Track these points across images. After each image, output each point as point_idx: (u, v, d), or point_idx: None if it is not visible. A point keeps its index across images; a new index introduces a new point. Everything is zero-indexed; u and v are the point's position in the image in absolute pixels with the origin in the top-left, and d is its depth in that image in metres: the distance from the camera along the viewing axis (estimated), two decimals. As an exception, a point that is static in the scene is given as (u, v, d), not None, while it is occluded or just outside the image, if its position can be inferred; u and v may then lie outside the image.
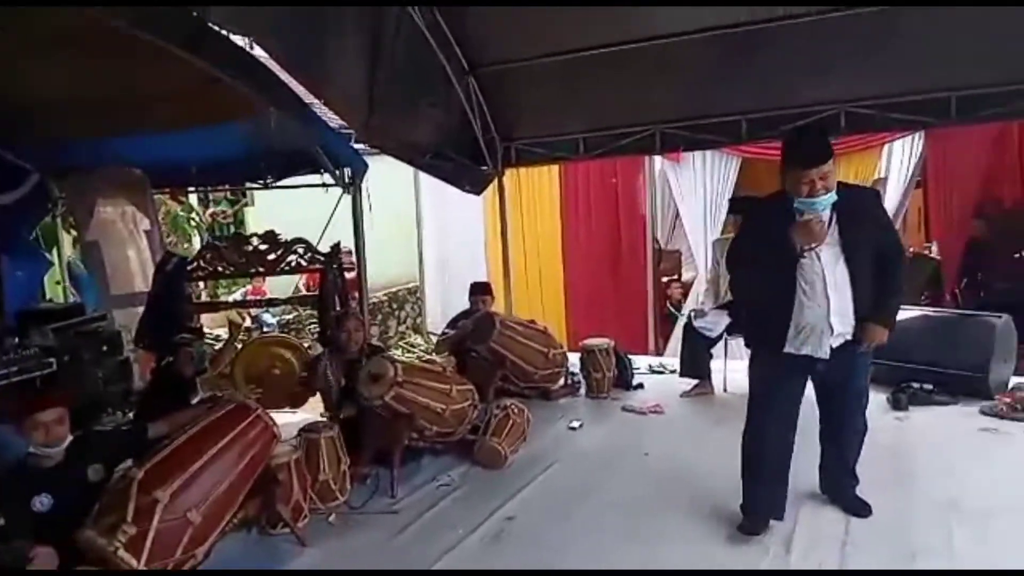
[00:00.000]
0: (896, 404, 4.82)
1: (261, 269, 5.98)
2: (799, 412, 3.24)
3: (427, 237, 10.96)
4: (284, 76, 4.50)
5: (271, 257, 5.79)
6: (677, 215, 8.66)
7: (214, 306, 7.95)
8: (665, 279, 9.11)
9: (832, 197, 2.97)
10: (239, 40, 4.12)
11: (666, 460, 4.24)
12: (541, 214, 8.90)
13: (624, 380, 5.73)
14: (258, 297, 8.64)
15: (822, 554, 3.09)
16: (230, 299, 8.97)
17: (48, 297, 6.91)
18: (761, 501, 3.28)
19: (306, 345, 6.15)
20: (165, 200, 8.67)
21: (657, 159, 8.29)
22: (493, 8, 5.24)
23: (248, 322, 8.97)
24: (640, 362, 6.25)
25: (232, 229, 10.02)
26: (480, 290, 5.82)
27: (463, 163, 6.42)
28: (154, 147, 5.57)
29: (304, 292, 8.31)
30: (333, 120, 6.13)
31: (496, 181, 6.92)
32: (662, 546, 3.25)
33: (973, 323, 5.14)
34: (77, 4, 3.05)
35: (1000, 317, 5.02)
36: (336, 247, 5.83)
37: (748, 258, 3.25)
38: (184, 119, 4.95)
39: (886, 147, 7.47)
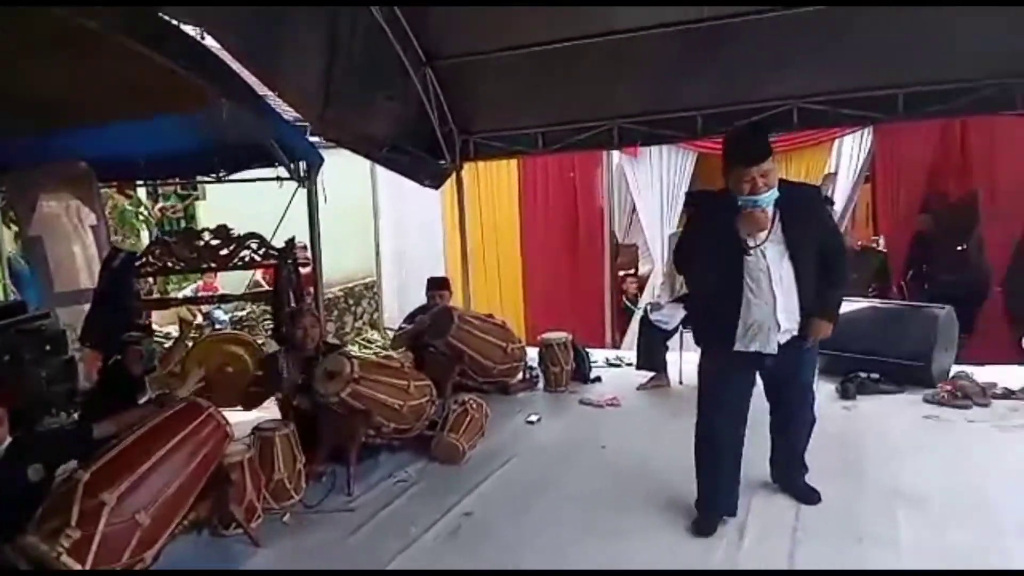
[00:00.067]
0: (844, 393, 4.95)
1: (213, 265, 5.83)
2: (749, 407, 3.30)
3: (384, 231, 10.83)
4: (237, 67, 4.42)
5: (223, 252, 5.65)
6: (634, 209, 8.73)
7: (164, 303, 7.75)
8: (622, 273, 9.18)
9: (774, 194, 3.02)
10: (190, 30, 4.04)
11: (623, 453, 4.28)
12: (499, 207, 8.89)
13: (582, 373, 5.77)
14: (210, 293, 8.45)
15: (774, 541, 3.16)
16: (180, 296, 8.75)
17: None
18: (714, 499, 3.33)
19: (260, 342, 6.04)
20: (112, 194, 8.41)
21: (615, 153, 8.34)
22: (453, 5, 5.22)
23: (199, 319, 8.76)
24: (597, 355, 6.30)
25: (182, 224, 9.77)
26: (437, 285, 5.79)
27: (420, 156, 6.36)
28: (100, 140, 5.39)
29: (264, 286, 8.13)
30: (288, 112, 6.03)
31: (454, 175, 6.89)
32: (620, 540, 3.27)
33: (917, 314, 5.31)
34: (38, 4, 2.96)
35: (943, 308, 5.19)
36: (291, 242, 5.72)
37: (694, 255, 3.31)
38: (132, 111, 4.81)
39: (836, 143, 7.65)
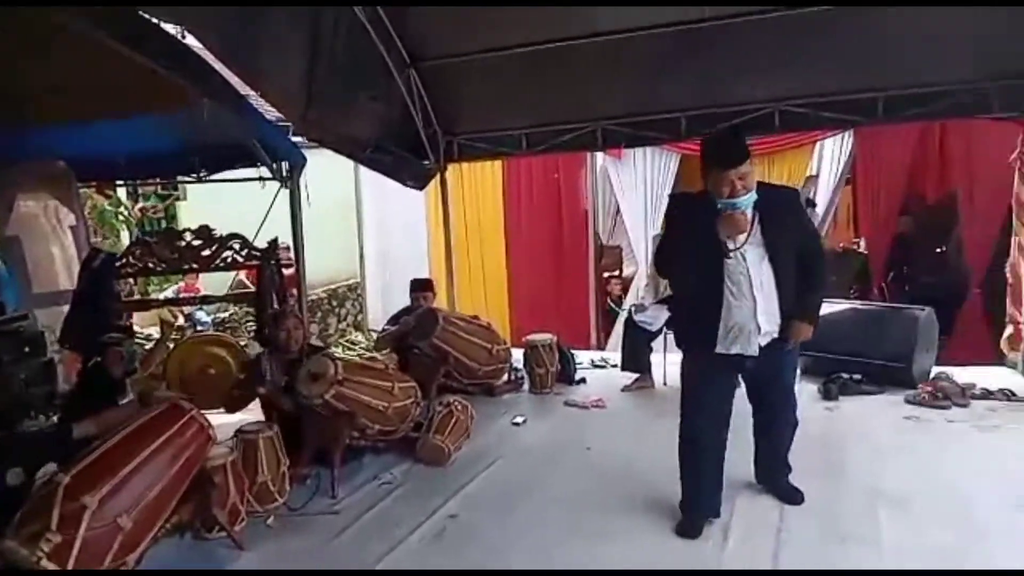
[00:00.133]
0: (827, 394, 4.99)
1: (194, 266, 5.77)
2: (732, 409, 3.32)
3: (367, 232, 10.79)
4: (219, 66, 4.37)
5: (205, 253, 5.60)
6: (618, 211, 8.75)
7: (144, 304, 7.66)
8: (606, 274, 9.20)
9: (753, 196, 3.05)
10: (170, 29, 3.99)
11: (608, 454, 4.29)
12: (484, 209, 8.88)
13: (567, 375, 5.78)
14: (191, 295, 8.36)
15: (758, 541, 3.18)
16: (161, 297, 8.66)
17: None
18: (698, 501, 3.34)
19: (242, 344, 5.99)
20: (91, 194, 8.30)
21: (599, 155, 8.36)
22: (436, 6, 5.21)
23: (181, 320, 8.68)
24: (582, 357, 6.32)
25: (163, 225, 9.67)
26: (421, 287, 5.77)
27: (404, 157, 6.35)
28: (79, 139, 5.31)
29: (249, 285, 8.04)
30: (270, 112, 5.98)
31: (438, 176, 6.87)
32: (605, 541, 3.28)
33: (898, 316, 5.37)
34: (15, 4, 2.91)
35: (923, 310, 5.25)
36: (273, 243, 5.68)
37: (675, 258, 3.33)
38: (112, 110, 4.75)
39: (817, 145, 7.71)
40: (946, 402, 4.69)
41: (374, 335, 8.53)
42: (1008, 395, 4.78)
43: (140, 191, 9.71)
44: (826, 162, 7.94)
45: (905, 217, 7.61)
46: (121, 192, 9.22)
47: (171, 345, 5.35)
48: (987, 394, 4.81)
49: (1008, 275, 5.15)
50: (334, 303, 11.12)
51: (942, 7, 4.58)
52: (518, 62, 5.63)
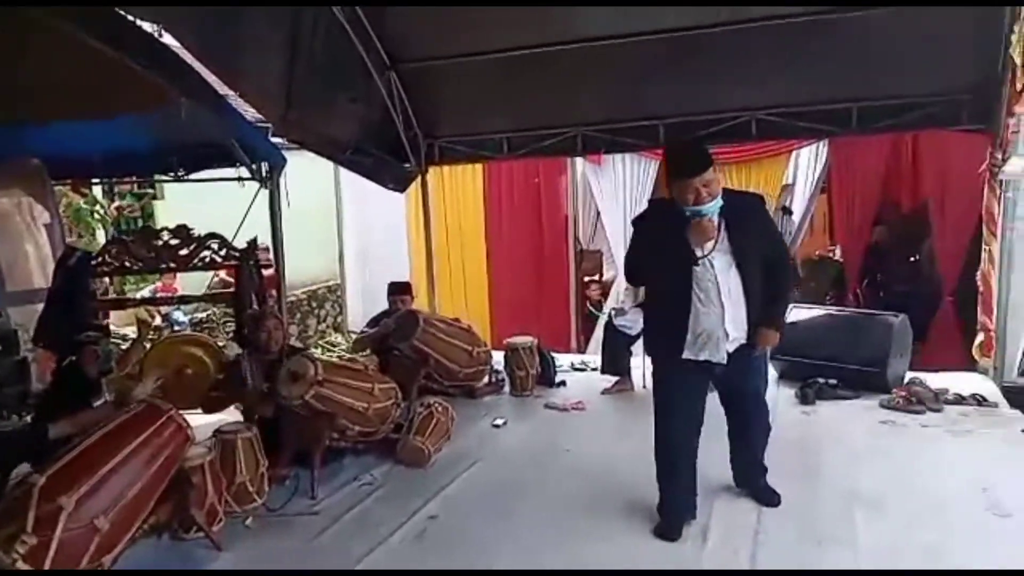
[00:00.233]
0: (803, 399, 5.05)
1: (172, 265, 5.72)
2: (704, 415, 3.35)
3: (348, 234, 10.74)
4: (197, 66, 4.34)
5: (183, 253, 5.55)
6: (598, 216, 8.81)
7: (121, 303, 7.55)
8: (586, 279, 9.25)
9: (718, 202, 3.09)
10: (147, 27, 3.95)
11: (588, 456, 4.31)
12: (465, 212, 8.89)
13: (547, 377, 5.80)
14: (169, 294, 8.26)
15: (736, 542, 3.21)
16: (138, 296, 8.55)
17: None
18: (674, 503, 3.37)
19: (221, 344, 5.93)
20: (66, 192, 8.18)
21: (579, 160, 8.41)
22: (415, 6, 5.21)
23: (158, 320, 8.57)
24: (563, 359, 6.33)
25: (140, 224, 9.55)
26: (399, 290, 5.75)
27: (384, 159, 6.34)
28: (54, 137, 5.26)
29: (229, 282, 7.94)
30: (249, 112, 5.95)
31: (419, 179, 6.86)
32: (585, 542, 3.29)
33: (873, 322, 5.45)
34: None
35: (897, 316, 5.34)
36: (253, 243, 5.64)
37: (644, 267, 3.37)
38: (88, 108, 4.69)
39: (793, 155, 7.82)
40: (920, 407, 4.77)
41: (354, 337, 8.49)
42: (979, 400, 4.86)
43: (116, 190, 9.59)
44: (802, 171, 8.07)
45: (880, 227, 7.74)
46: (97, 190, 9.10)
47: (148, 345, 5.28)
48: (960, 399, 4.89)
49: (979, 283, 5.25)
50: (314, 304, 11.06)
51: (915, 21, 4.70)
52: (499, 66, 5.65)
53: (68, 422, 3.22)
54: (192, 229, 5.64)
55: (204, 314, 9.30)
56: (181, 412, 3.41)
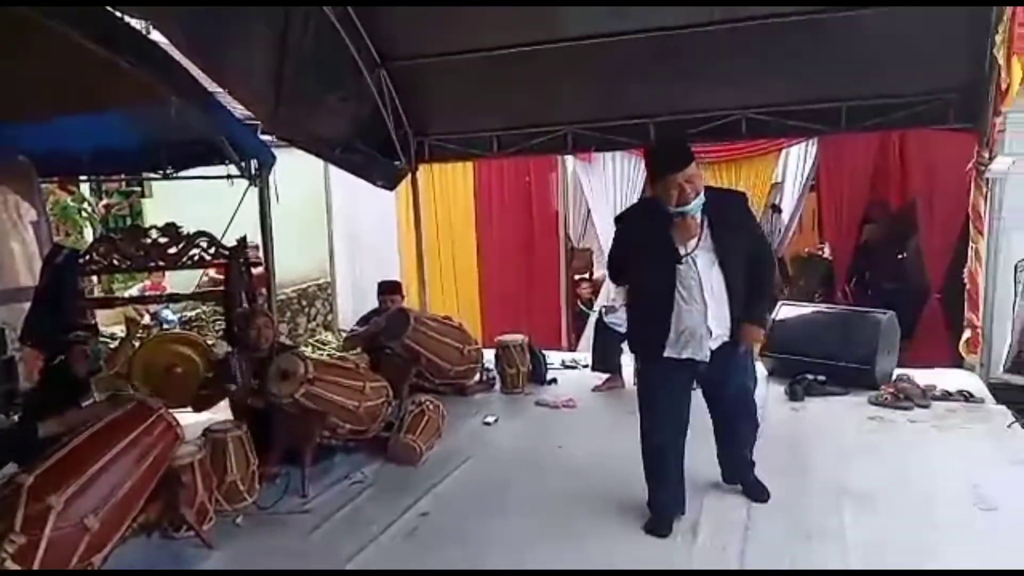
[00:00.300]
0: (793, 395, 5.08)
1: (161, 263, 5.68)
2: (689, 412, 3.36)
3: (338, 232, 10.72)
4: (185, 63, 4.32)
5: (172, 251, 5.51)
6: (589, 214, 8.82)
7: (109, 302, 7.49)
8: (577, 277, 9.27)
9: (701, 199, 3.10)
10: (136, 23, 3.93)
11: (579, 453, 4.33)
12: (455, 210, 8.88)
13: (538, 375, 5.80)
14: (157, 293, 8.21)
15: (726, 537, 3.22)
16: (127, 295, 8.49)
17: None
18: (663, 500, 3.38)
19: (210, 343, 5.91)
20: (53, 190, 8.11)
21: (570, 158, 8.43)
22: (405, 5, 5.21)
23: (147, 319, 8.52)
24: (554, 357, 6.33)
25: (128, 222, 9.47)
26: (388, 289, 5.72)
27: (374, 157, 6.32)
28: (42, 134, 5.22)
29: (220, 283, 7.90)
30: (238, 110, 5.91)
31: (410, 177, 6.85)
32: (576, 539, 3.30)
33: (861, 319, 5.49)
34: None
35: (885, 314, 5.38)
36: (242, 241, 5.62)
37: (627, 266, 3.38)
38: (76, 106, 4.65)
39: (783, 153, 7.86)
40: (908, 403, 4.81)
41: (344, 335, 8.47)
42: (966, 396, 4.91)
43: (104, 187, 9.52)
44: (791, 169, 8.11)
45: (871, 225, 7.80)
46: (84, 188, 9.02)
47: (136, 344, 5.25)
48: (947, 395, 4.93)
49: (966, 281, 5.30)
50: (304, 303, 11.01)
51: (903, 21, 4.74)
52: (490, 64, 5.64)
53: (57, 421, 3.21)
54: (181, 227, 5.60)
55: (193, 312, 9.24)
56: (171, 410, 3.41)
